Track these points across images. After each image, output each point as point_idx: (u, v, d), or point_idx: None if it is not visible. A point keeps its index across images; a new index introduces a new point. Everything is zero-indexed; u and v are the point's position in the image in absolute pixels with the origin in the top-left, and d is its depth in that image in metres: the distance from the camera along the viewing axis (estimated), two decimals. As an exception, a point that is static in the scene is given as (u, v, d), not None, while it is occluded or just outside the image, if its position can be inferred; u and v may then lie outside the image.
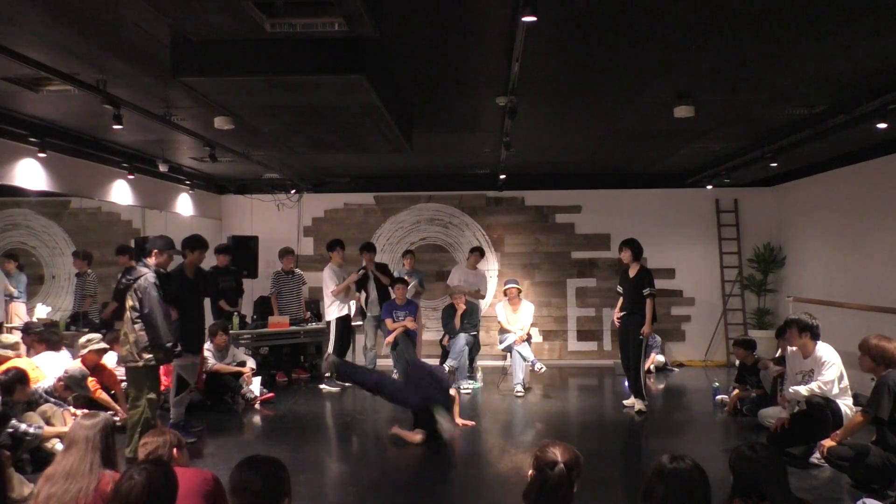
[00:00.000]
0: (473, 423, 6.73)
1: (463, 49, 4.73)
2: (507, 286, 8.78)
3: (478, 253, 9.54)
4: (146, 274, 5.54)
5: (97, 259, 8.93)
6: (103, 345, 6.38)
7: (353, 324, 9.06)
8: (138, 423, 5.47)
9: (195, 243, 6.32)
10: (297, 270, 9.46)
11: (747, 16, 4.05)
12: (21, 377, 5.22)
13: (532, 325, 8.93)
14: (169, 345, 5.50)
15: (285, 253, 9.35)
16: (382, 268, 9.23)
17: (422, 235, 11.00)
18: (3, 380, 5.12)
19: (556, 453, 2.51)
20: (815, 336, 5.45)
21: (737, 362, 7.90)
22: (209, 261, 8.27)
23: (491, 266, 10.91)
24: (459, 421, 6.59)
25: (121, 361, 5.79)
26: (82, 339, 6.36)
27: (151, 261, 5.73)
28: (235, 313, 8.55)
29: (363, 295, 9.04)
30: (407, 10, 4.02)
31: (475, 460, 5.92)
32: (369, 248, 9.13)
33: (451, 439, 6.09)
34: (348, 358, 9.24)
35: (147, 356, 5.47)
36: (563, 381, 9.51)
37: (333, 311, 8.64)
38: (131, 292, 5.50)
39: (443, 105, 6.23)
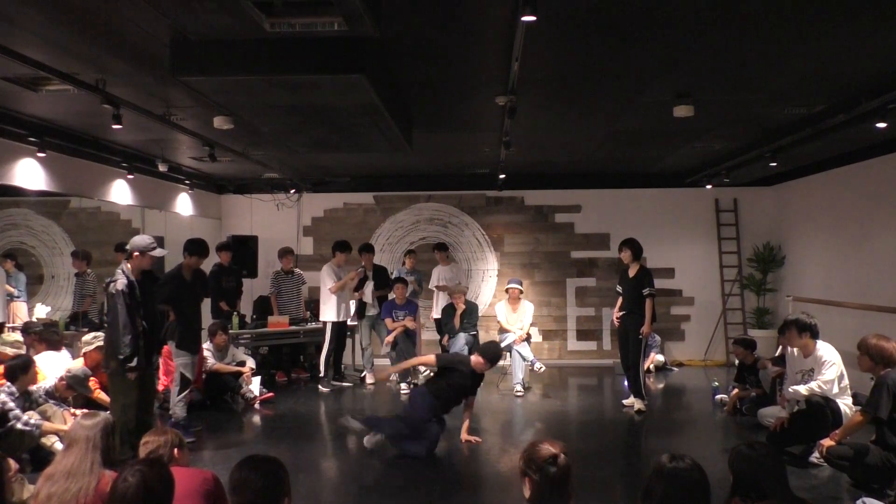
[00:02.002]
0: (479, 440, 6.20)
1: (463, 49, 4.73)
2: (510, 286, 8.77)
3: (438, 250, 9.63)
4: (118, 280, 5.26)
5: (97, 259, 8.92)
6: None
7: (349, 323, 9.05)
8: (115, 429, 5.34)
9: (195, 248, 6.27)
10: (297, 270, 9.47)
11: (747, 16, 4.06)
12: (27, 362, 5.28)
13: (532, 324, 8.93)
14: (121, 357, 5.18)
15: (285, 253, 9.35)
16: (381, 271, 9.22)
17: (421, 235, 11.00)
18: (12, 364, 5.15)
19: (550, 448, 2.50)
20: (815, 335, 5.46)
21: (736, 362, 7.90)
22: (211, 259, 8.28)
23: (490, 266, 10.92)
24: (465, 437, 6.16)
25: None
26: (87, 337, 6.35)
27: (129, 265, 5.36)
28: (235, 313, 8.56)
29: (367, 286, 9.02)
30: (407, 10, 4.02)
31: (475, 460, 5.91)
32: (368, 249, 9.14)
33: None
34: (347, 358, 9.26)
35: (112, 364, 5.28)
36: (563, 381, 9.51)
37: (330, 312, 8.59)
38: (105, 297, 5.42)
39: (443, 105, 6.23)
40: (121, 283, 5.23)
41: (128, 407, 5.29)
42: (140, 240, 5.48)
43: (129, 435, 5.18)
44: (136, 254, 5.37)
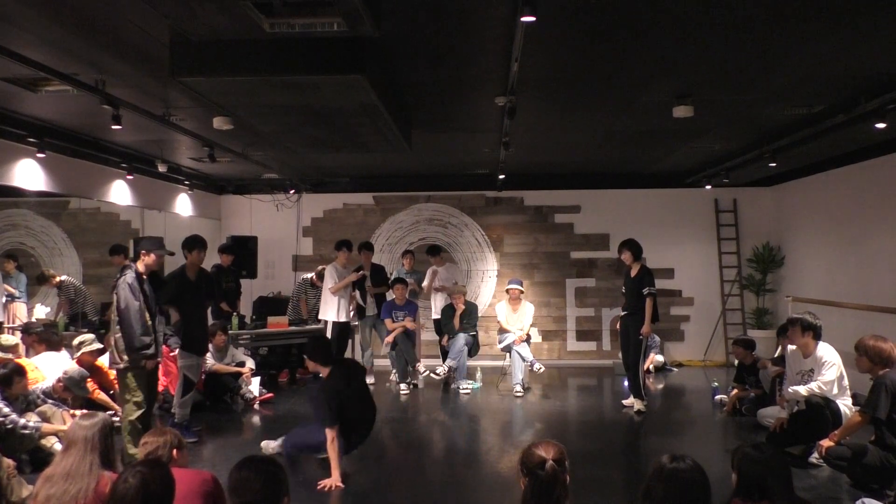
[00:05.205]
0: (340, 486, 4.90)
1: (463, 49, 4.72)
2: (511, 286, 8.76)
3: (430, 255, 9.48)
4: (126, 274, 5.38)
5: (97, 259, 8.95)
6: (98, 345, 6.37)
7: (351, 324, 9.04)
8: (126, 428, 5.32)
9: (193, 243, 6.26)
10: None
11: (747, 15, 4.05)
12: (19, 369, 5.24)
13: (531, 325, 8.93)
14: (139, 346, 5.25)
15: (322, 276, 9.19)
16: (379, 270, 9.19)
17: (421, 235, 11.00)
18: (2, 373, 5.13)
19: (542, 452, 2.52)
20: (817, 336, 5.46)
21: (736, 362, 7.90)
22: (211, 259, 8.28)
23: (490, 266, 10.92)
24: (330, 481, 4.90)
25: (110, 363, 5.75)
26: (75, 341, 6.35)
27: (140, 263, 5.52)
28: (234, 314, 8.55)
29: (365, 294, 9.05)
30: (407, 11, 4.02)
31: (475, 460, 5.91)
32: (367, 247, 9.14)
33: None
34: (347, 355, 9.25)
35: (125, 358, 5.30)
36: (563, 381, 9.51)
37: (331, 312, 8.58)
38: (113, 293, 5.42)
39: (443, 105, 6.23)
40: (129, 275, 5.36)
41: (141, 404, 5.37)
42: (146, 239, 5.76)
43: (140, 434, 5.19)
44: (143, 252, 5.54)
